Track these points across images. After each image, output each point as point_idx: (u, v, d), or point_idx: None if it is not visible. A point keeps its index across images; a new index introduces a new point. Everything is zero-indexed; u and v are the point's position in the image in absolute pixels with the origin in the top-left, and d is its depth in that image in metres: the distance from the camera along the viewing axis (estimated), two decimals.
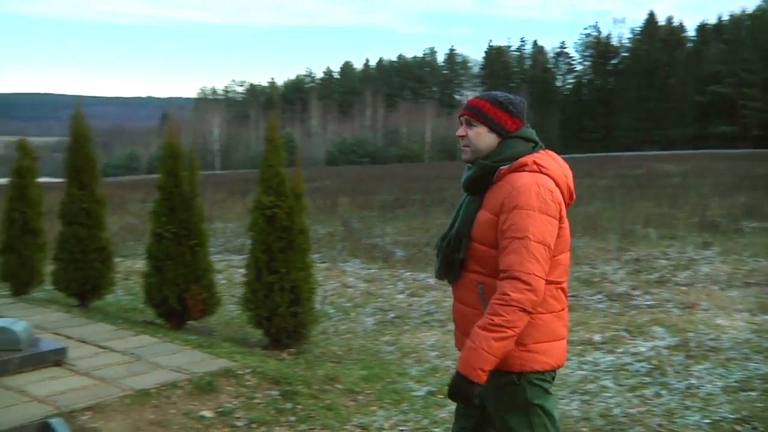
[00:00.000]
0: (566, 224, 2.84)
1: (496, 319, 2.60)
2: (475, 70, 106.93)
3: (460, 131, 2.91)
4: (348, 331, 7.73)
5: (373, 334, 7.70)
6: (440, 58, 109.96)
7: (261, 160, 6.68)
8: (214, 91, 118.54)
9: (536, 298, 2.63)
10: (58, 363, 5.36)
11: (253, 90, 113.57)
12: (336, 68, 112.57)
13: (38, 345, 5.47)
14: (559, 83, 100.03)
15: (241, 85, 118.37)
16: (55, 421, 4.38)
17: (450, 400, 2.83)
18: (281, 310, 6.43)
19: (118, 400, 4.75)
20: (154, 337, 6.28)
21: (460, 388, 2.68)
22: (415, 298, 9.44)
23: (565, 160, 2.98)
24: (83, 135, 7.73)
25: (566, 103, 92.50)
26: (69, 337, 6.10)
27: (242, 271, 8.70)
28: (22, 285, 8.16)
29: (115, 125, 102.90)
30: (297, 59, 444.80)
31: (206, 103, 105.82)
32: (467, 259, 2.83)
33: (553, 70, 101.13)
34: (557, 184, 2.81)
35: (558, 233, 2.75)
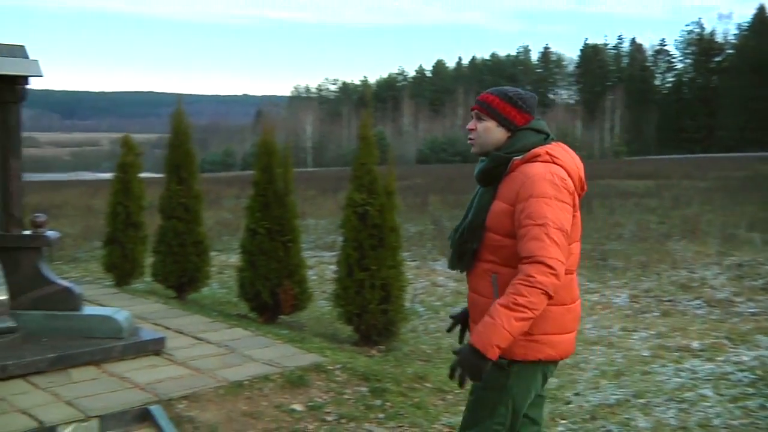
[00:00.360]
0: (578, 214, 2.91)
1: (520, 299, 2.63)
2: (570, 68, 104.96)
3: (470, 125, 2.98)
4: (437, 330, 7.70)
5: None
6: (534, 56, 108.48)
7: (354, 157, 6.74)
8: (307, 90, 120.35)
9: (558, 282, 2.68)
10: (157, 352, 5.54)
11: (345, 88, 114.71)
12: (428, 67, 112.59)
13: (139, 334, 5.67)
14: (657, 82, 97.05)
15: (334, 84, 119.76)
16: (154, 408, 4.53)
17: (451, 378, 2.81)
18: (371, 307, 6.46)
19: (213, 390, 4.87)
20: (247, 331, 6.42)
21: (472, 362, 2.69)
22: None
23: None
24: (183, 132, 7.95)
25: (665, 103, 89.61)
26: (167, 328, 6.30)
27: (333, 267, 8.81)
28: (124, 276, 8.46)
29: (212, 122, 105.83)
30: (390, 58, 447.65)
31: (300, 101, 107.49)
32: (481, 248, 2.90)
33: (651, 68, 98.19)
34: (569, 174, 2.86)
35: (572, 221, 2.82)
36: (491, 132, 2.92)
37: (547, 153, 2.85)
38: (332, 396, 5.10)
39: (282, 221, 7.08)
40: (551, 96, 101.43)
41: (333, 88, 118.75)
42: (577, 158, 2.97)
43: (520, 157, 2.85)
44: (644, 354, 6.67)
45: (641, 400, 5.37)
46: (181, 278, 7.89)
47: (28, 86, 5.50)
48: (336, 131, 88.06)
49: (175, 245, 7.78)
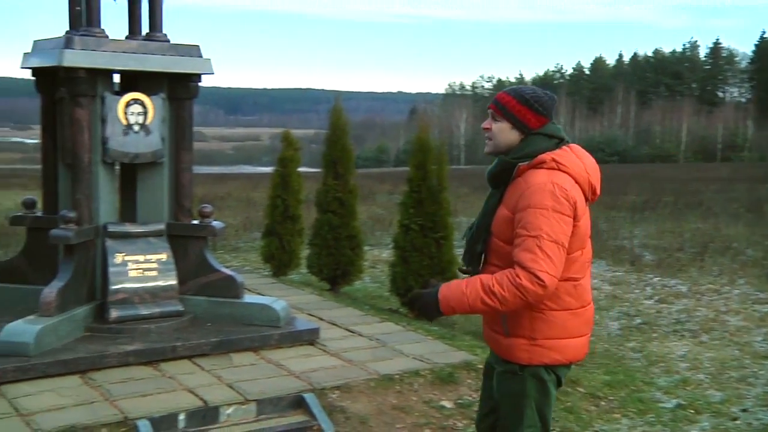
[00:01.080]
0: (583, 222, 2.84)
1: (496, 289, 2.69)
2: (743, 64, 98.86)
3: (485, 124, 2.94)
4: (591, 334, 7.48)
5: (617, 339, 7.39)
6: (702, 52, 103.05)
7: None
8: (462, 87, 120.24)
9: (543, 294, 2.69)
10: (312, 342, 5.71)
11: (500, 86, 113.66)
12: (587, 64, 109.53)
13: (294, 324, 5.86)
14: None
15: (488, 81, 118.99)
16: (308, 396, 4.68)
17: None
18: None
19: (364, 382, 4.96)
20: (398, 325, 6.49)
21: (428, 304, 2.82)
22: (664, 305, 8.93)
23: None
24: (341, 128, 8.14)
25: None
26: (321, 319, 6.48)
27: None
28: (281, 267, 8.77)
29: (367, 118, 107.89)
30: (546, 55, 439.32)
31: (454, 98, 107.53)
32: (488, 251, 2.92)
33: None
34: (576, 181, 2.81)
35: (573, 231, 2.77)
36: (505, 133, 2.88)
37: (553, 159, 2.80)
38: None
39: (435, 218, 7.11)
40: (720, 94, 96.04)
41: (487, 85, 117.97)
42: (590, 163, 2.92)
43: (526, 162, 2.81)
44: None
45: None
46: (335, 271, 8.08)
47: (200, 83, 5.81)
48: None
49: (330, 239, 7.98)
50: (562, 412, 4.93)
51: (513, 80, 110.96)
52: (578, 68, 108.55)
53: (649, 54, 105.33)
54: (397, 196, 22.42)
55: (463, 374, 5.28)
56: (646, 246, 13.58)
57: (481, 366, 5.38)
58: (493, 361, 3.10)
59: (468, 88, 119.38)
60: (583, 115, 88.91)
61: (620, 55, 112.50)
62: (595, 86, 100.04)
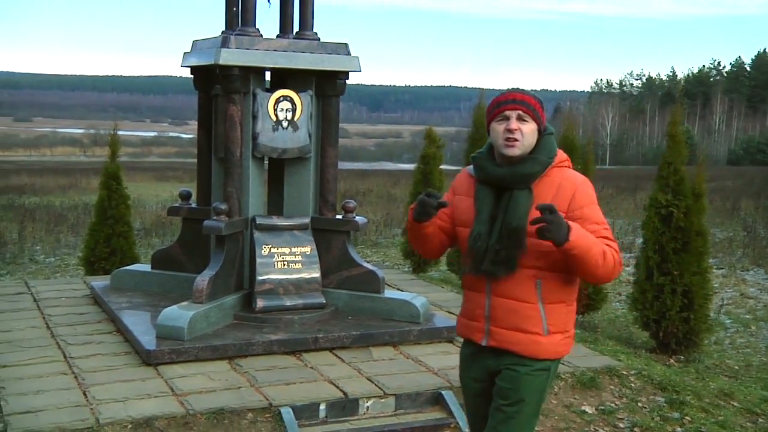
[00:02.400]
0: None
1: (608, 252, 2.78)
2: None
3: (513, 125, 2.83)
4: (746, 345, 7.08)
5: None
6: None
7: (662, 156, 6.40)
8: (608, 84, 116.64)
9: (614, 271, 2.83)
10: (450, 340, 5.70)
11: (650, 83, 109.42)
12: (747, 59, 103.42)
13: (434, 320, 5.87)
14: None
15: (638, 78, 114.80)
16: (446, 394, 4.67)
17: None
18: (671, 314, 6.11)
19: None
20: None
21: (563, 225, 2.68)
22: None
23: None
24: (484, 126, 8.06)
25: None
26: None
27: (629, 269, 8.44)
28: (420, 264, 8.82)
29: None
30: (701, 50, 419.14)
31: (600, 96, 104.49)
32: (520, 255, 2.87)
33: None
34: None
35: None
36: (533, 135, 2.87)
37: (568, 158, 2.97)
38: (625, 402, 4.89)
39: None
40: None
41: (636, 83, 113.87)
42: None
43: (552, 161, 2.90)
44: None
45: None
46: None
47: (347, 81, 5.92)
48: (637, 128, 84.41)
49: None
50: (713, 426, 4.68)
51: (664, 77, 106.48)
52: (738, 63, 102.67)
53: None
54: None
55: (605, 380, 5.11)
56: None
57: (625, 372, 5.20)
58: (510, 364, 2.91)
59: (615, 85, 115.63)
60: (741, 114, 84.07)
61: None
62: (757, 83, 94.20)
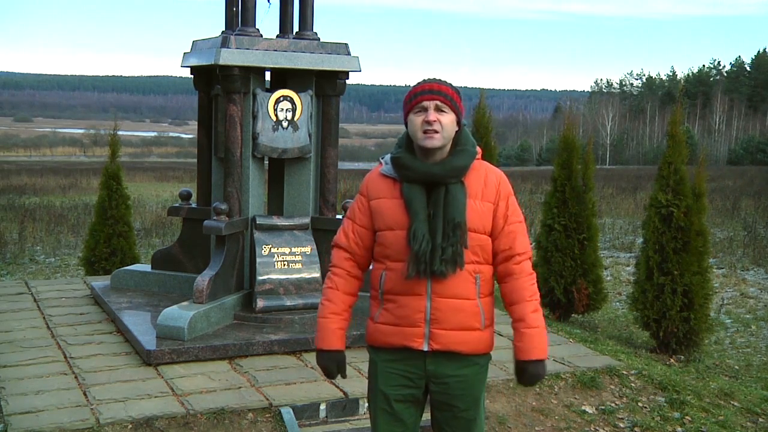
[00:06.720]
0: None
1: (536, 297, 2.83)
2: None
3: (431, 116, 2.73)
4: (746, 345, 7.08)
5: None
6: None
7: (662, 156, 6.41)
8: (608, 84, 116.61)
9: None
10: None
11: (650, 83, 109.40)
12: (747, 59, 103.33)
13: None
14: None
15: (637, 78, 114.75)
16: None
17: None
18: (671, 314, 6.12)
19: (503, 382, 4.90)
20: None
21: (540, 373, 2.77)
22: None
23: None
24: (484, 125, 8.07)
25: None
26: None
27: (630, 269, 8.48)
28: None
29: (510, 116, 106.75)
30: (701, 50, 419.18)
31: (600, 96, 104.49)
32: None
33: None
34: None
35: None
36: (452, 126, 2.79)
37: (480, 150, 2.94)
38: (625, 402, 4.89)
39: (579, 219, 6.94)
40: None
41: (636, 83, 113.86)
42: None
43: (476, 153, 2.86)
44: None
45: None
46: None
47: (347, 81, 5.92)
48: (637, 128, 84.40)
49: None
50: (714, 426, 4.68)
51: (664, 77, 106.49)
52: (738, 63, 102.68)
53: None
54: (539, 195, 22.05)
55: (605, 380, 5.11)
56: None
57: (625, 372, 5.20)
58: (456, 369, 2.83)
59: (615, 85, 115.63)
60: (741, 113, 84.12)
61: None
62: (757, 83, 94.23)
